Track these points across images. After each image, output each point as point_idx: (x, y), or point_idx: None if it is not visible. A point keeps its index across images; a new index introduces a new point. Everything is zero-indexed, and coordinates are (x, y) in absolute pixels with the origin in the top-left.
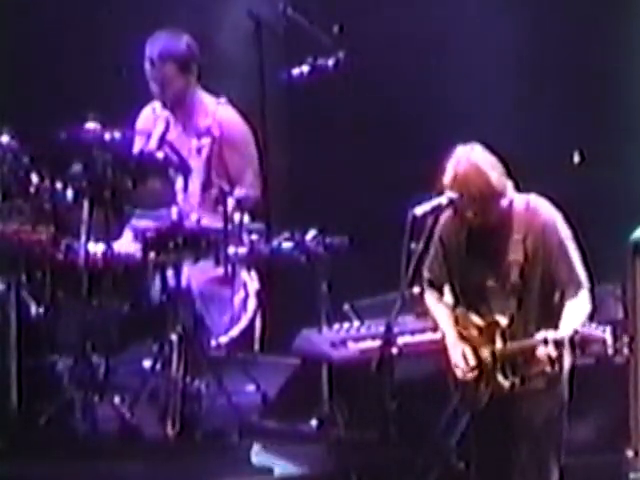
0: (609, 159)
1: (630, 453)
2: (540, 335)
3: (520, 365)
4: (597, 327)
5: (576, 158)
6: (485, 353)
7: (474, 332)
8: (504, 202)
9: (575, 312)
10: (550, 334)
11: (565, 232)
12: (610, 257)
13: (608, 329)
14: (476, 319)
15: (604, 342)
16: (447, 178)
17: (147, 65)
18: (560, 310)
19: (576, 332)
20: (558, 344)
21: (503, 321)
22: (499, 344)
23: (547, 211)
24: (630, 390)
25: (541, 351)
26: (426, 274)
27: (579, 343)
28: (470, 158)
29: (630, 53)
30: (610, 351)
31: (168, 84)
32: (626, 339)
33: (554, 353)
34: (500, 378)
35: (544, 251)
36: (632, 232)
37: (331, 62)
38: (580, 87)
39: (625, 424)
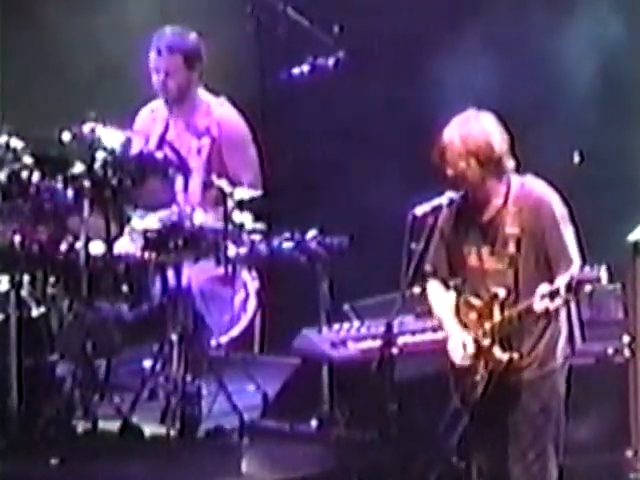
0: (609, 158)
1: (630, 453)
2: (536, 294)
3: (519, 337)
4: (591, 269)
5: (576, 158)
6: (484, 331)
7: (474, 315)
8: (501, 175)
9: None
10: (544, 287)
11: (560, 210)
12: (610, 257)
13: (603, 267)
14: (475, 301)
15: (599, 280)
16: (449, 130)
17: (153, 55)
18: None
19: (571, 278)
20: (554, 295)
21: (501, 292)
22: (497, 316)
23: (542, 189)
24: (630, 390)
25: (539, 306)
26: (428, 267)
27: (575, 287)
28: (479, 117)
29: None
30: (603, 282)
31: (172, 75)
32: (626, 339)
33: (552, 305)
34: (498, 353)
35: (538, 226)
36: (632, 232)
37: (331, 62)
38: (580, 86)
39: (625, 424)
